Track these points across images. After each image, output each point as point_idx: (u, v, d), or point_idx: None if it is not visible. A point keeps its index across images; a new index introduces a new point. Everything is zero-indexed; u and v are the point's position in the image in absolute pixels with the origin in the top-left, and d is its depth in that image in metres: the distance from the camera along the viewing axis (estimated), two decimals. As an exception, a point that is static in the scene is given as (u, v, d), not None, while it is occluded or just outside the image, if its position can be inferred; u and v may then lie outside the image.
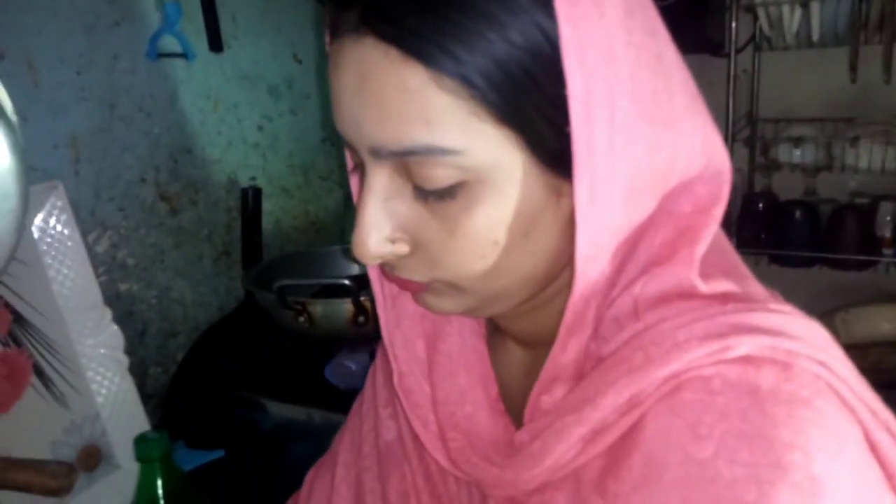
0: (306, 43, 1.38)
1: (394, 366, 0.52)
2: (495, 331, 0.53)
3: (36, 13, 0.93)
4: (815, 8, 1.38)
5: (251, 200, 1.17)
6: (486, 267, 0.40)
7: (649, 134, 0.38)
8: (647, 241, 0.41)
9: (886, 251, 1.49)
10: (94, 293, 0.89)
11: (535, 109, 0.36)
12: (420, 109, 0.36)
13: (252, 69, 1.27)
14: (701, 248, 0.40)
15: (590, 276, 0.39)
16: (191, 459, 1.01)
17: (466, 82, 0.35)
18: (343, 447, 0.63)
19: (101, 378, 0.88)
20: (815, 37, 1.41)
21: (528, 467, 0.41)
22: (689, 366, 0.37)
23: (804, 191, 1.61)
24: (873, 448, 0.37)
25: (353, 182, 0.47)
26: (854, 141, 1.44)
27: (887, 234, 1.49)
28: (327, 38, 0.42)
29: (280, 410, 1.03)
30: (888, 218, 1.49)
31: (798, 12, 1.40)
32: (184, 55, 1.14)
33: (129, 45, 1.06)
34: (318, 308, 0.98)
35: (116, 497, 0.86)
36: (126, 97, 1.05)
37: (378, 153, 0.39)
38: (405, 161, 0.38)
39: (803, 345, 0.37)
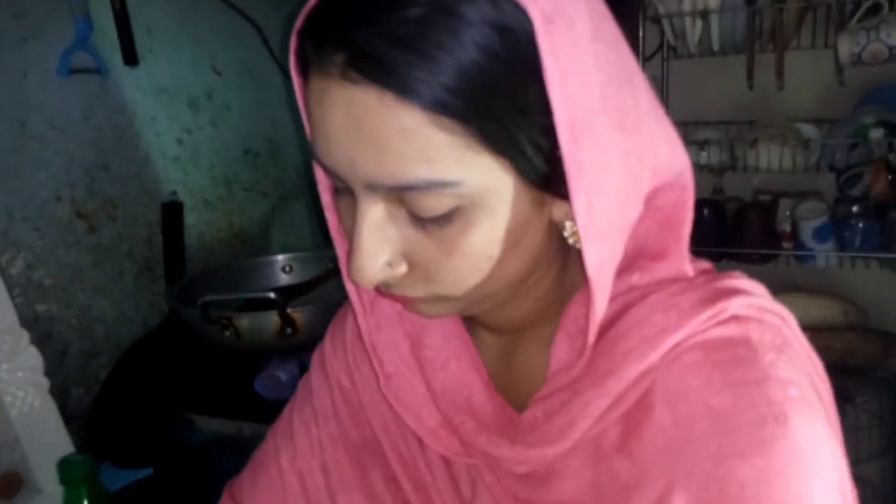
0: (226, 54, 1.38)
1: (378, 370, 0.54)
2: (468, 320, 0.55)
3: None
4: (714, 20, 1.46)
5: (172, 215, 1.16)
6: (480, 279, 0.43)
7: (622, 141, 0.41)
8: (633, 233, 0.46)
9: (786, 244, 1.59)
10: (10, 316, 0.87)
11: (525, 138, 0.39)
12: (419, 148, 0.37)
13: (170, 82, 1.26)
14: (687, 242, 0.47)
15: (604, 282, 0.43)
16: (118, 479, 1.00)
17: (463, 120, 0.37)
18: (286, 444, 0.63)
19: (20, 403, 0.87)
20: (716, 46, 1.50)
21: (554, 442, 0.45)
22: (695, 330, 0.43)
23: (712, 190, 1.71)
24: (816, 391, 0.44)
25: (329, 202, 0.49)
26: (753, 143, 1.54)
27: (787, 228, 1.59)
28: (295, 72, 0.43)
29: (208, 425, 1.03)
30: (787, 213, 1.59)
31: (699, 23, 1.48)
32: (97, 70, 1.12)
33: (38, 61, 1.04)
34: (244, 322, 0.98)
35: (40, 522, 0.85)
36: (38, 115, 1.03)
37: (374, 188, 0.40)
38: (402, 193, 0.40)
39: (767, 301, 0.45)
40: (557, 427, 0.45)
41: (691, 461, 0.41)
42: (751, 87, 1.54)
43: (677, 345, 0.43)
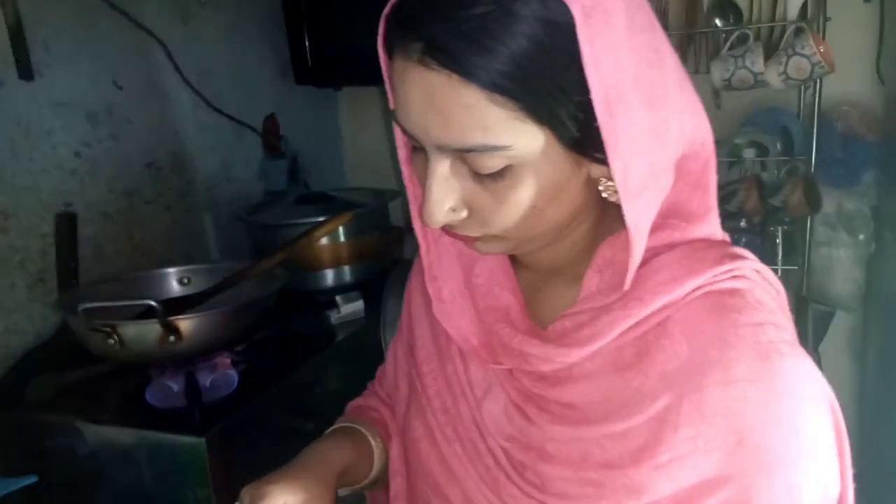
0: (128, 70, 1.40)
1: (434, 296, 0.66)
2: (512, 258, 0.66)
3: None
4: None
5: (65, 225, 1.17)
6: (526, 223, 0.53)
7: (650, 115, 0.49)
8: (667, 195, 0.55)
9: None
10: None
11: (564, 112, 0.48)
12: (478, 120, 0.48)
13: (68, 96, 1.27)
14: (716, 206, 0.58)
15: (641, 230, 0.52)
16: (1, 487, 1.00)
17: (514, 97, 0.47)
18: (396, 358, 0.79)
19: None
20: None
21: (581, 345, 0.56)
22: (714, 280, 0.54)
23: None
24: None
25: (405, 156, 0.60)
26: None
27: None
28: (382, 50, 0.54)
29: (96, 433, 1.04)
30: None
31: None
32: (-10, 84, 1.14)
33: (-75, 75, 1.05)
34: (127, 330, 1.00)
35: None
36: (-75, 127, 1.04)
37: (442, 149, 0.51)
38: (470, 153, 0.50)
39: (769, 274, 0.58)
40: (585, 335, 0.56)
41: (703, 380, 0.51)
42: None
43: (698, 287, 0.54)
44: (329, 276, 1.54)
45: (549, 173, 0.51)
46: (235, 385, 1.14)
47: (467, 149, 0.49)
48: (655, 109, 0.50)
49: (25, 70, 1.19)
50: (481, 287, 0.65)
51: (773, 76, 1.40)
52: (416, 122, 0.50)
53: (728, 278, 0.54)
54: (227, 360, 1.17)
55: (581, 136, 0.49)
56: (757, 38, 1.46)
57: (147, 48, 1.44)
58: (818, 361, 1.29)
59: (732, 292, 0.54)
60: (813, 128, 1.53)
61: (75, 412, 1.06)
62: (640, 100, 0.48)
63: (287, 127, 1.83)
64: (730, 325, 0.52)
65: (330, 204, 1.57)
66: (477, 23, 0.45)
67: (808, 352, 0.58)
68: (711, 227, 0.58)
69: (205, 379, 1.12)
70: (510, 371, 0.61)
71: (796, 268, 1.63)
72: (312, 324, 1.38)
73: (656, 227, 0.55)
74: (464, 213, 0.54)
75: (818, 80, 1.48)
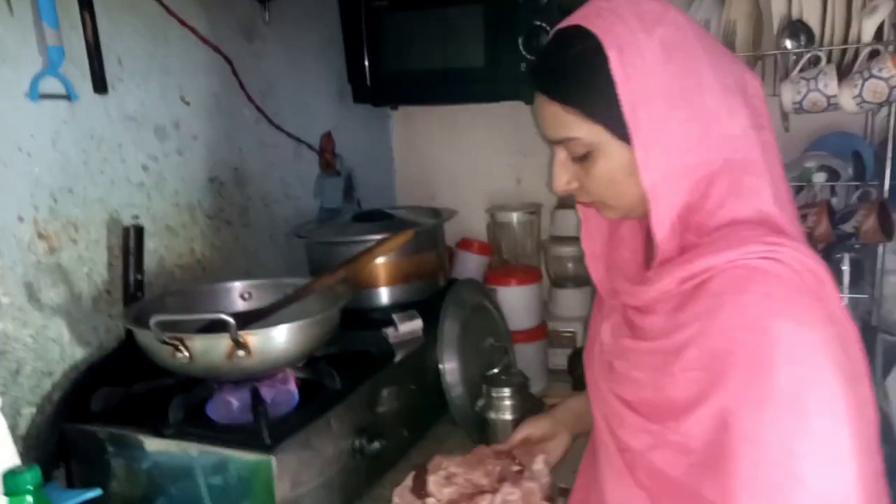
0: (195, 86, 1.41)
1: (586, 251, 0.94)
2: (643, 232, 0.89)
3: None
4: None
5: (133, 238, 1.18)
6: (612, 193, 0.80)
7: (683, 118, 0.73)
8: (722, 182, 0.74)
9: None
10: (-37, 332, 0.89)
11: (613, 117, 0.74)
12: (561, 122, 0.78)
13: (138, 110, 1.29)
14: (768, 188, 0.75)
15: (660, 199, 0.75)
16: (66, 499, 1.00)
17: (584, 112, 0.76)
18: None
19: (-31, 418, 0.88)
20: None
21: (647, 285, 0.79)
22: (745, 255, 0.70)
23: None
24: (833, 319, 0.71)
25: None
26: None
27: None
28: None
29: (158, 447, 1.04)
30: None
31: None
32: (67, 97, 1.15)
33: (7, 86, 1.06)
34: (196, 344, 1.00)
35: (-18, 539, 0.85)
36: (4, 138, 1.06)
37: (553, 141, 0.81)
38: (564, 143, 0.80)
39: (815, 265, 0.72)
40: (652, 281, 0.78)
41: (719, 324, 0.70)
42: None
43: (733, 260, 0.71)
44: (384, 295, 1.53)
45: (615, 156, 0.77)
46: (296, 402, 1.13)
47: (560, 139, 0.80)
48: (692, 117, 0.73)
49: (100, 84, 1.20)
50: (615, 247, 0.91)
51: (846, 99, 1.36)
52: (541, 125, 0.82)
53: (759, 257, 0.70)
54: (290, 377, 1.16)
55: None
56: (829, 60, 1.42)
57: (214, 65, 1.45)
58: (885, 394, 1.30)
59: (758, 269, 0.70)
60: (886, 152, 1.47)
61: (139, 424, 1.06)
62: (668, 105, 0.72)
63: (342, 145, 1.83)
64: (745, 291, 0.69)
65: (387, 222, 1.57)
66: (561, 72, 0.78)
67: (875, 382, 0.72)
68: (762, 203, 0.74)
69: (266, 395, 1.11)
70: (624, 305, 0.87)
71: (865, 296, 1.57)
72: (370, 342, 1.37)
73: (717, 206, 0.74)
74: (575, 184, 0.82)
75: (893, 104, 1.43)
